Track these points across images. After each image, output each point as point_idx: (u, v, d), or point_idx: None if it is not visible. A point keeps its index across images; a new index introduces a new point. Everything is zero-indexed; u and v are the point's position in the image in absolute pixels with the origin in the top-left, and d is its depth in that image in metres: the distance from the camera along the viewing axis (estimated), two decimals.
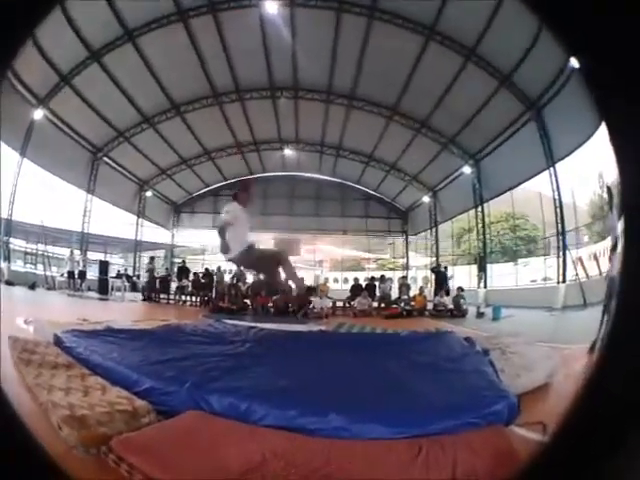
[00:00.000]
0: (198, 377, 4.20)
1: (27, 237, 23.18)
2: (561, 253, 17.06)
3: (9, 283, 16.70)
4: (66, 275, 19.75)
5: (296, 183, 31.60)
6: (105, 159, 23.41)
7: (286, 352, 6.18)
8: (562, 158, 16.76)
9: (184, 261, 22.67)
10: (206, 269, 20.13)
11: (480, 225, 22.48)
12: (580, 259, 15.62)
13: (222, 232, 6.55)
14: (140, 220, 28.50)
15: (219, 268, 19.10)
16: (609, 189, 6.91)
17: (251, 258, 7.04)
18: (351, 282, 20.04)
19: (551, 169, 17.22)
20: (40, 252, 21.92)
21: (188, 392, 3.75)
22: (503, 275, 23.17)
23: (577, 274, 15.09)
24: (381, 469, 2.74)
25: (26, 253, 23.39)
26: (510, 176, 19.79)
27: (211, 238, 32.69)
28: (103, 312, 11.90)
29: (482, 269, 21.91)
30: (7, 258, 18.51)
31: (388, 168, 27.06)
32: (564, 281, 16.32)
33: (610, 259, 6.30)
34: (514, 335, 7.02)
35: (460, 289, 16.99)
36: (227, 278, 18.85)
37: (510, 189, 21.30)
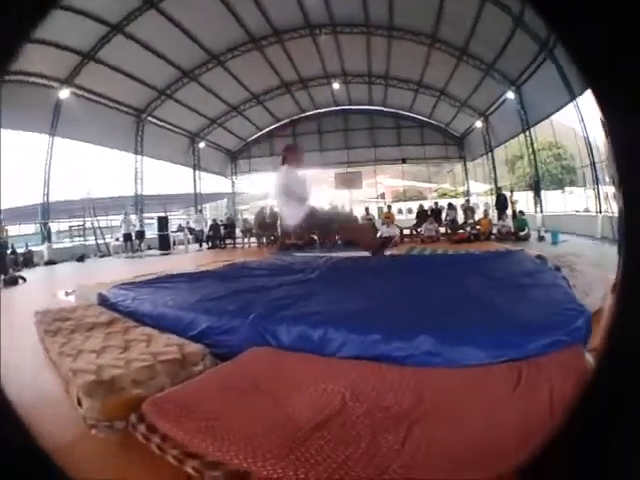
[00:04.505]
0: (263, 308, 3.80)
1: (73, 213, 23.28)
2: (595, 186, 16.77)
3: (50, 263, 16.68)
4: (122, 239, 19.62)
5: (349, 116, 31.24)
6: (150, 119, 23.39)
7: (360, 276, 5.84)
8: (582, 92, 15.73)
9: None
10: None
11: (530, 150, 22.09)
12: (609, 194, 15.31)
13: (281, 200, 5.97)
14: (197, 172, 28.67)
15: None
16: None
17: (311, 225, 6.61)
18: (415, 212, 20.15)
19: (575, 101, 16.64)
20: (89, 223, 21.97)
21: (252, 325, 3.40)
22: (553, 202, 23.07)
23: (607, 209, 14.96)
24: (483, 401, 2.29)
25: (71, 227, 23.21)
26: (549, 102, 18.98)
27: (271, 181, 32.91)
28: (164, 265, 11.70)
29: (537, 194, 21.70)
30: (46, 238, 18.26)
31: (438, 94, 26.27)
32: (600, 212, 15.96)
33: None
34: (577, 255, 6.83)
35: (521, 213, 17.13)
36: None
37: (550, 115, 20.45)
